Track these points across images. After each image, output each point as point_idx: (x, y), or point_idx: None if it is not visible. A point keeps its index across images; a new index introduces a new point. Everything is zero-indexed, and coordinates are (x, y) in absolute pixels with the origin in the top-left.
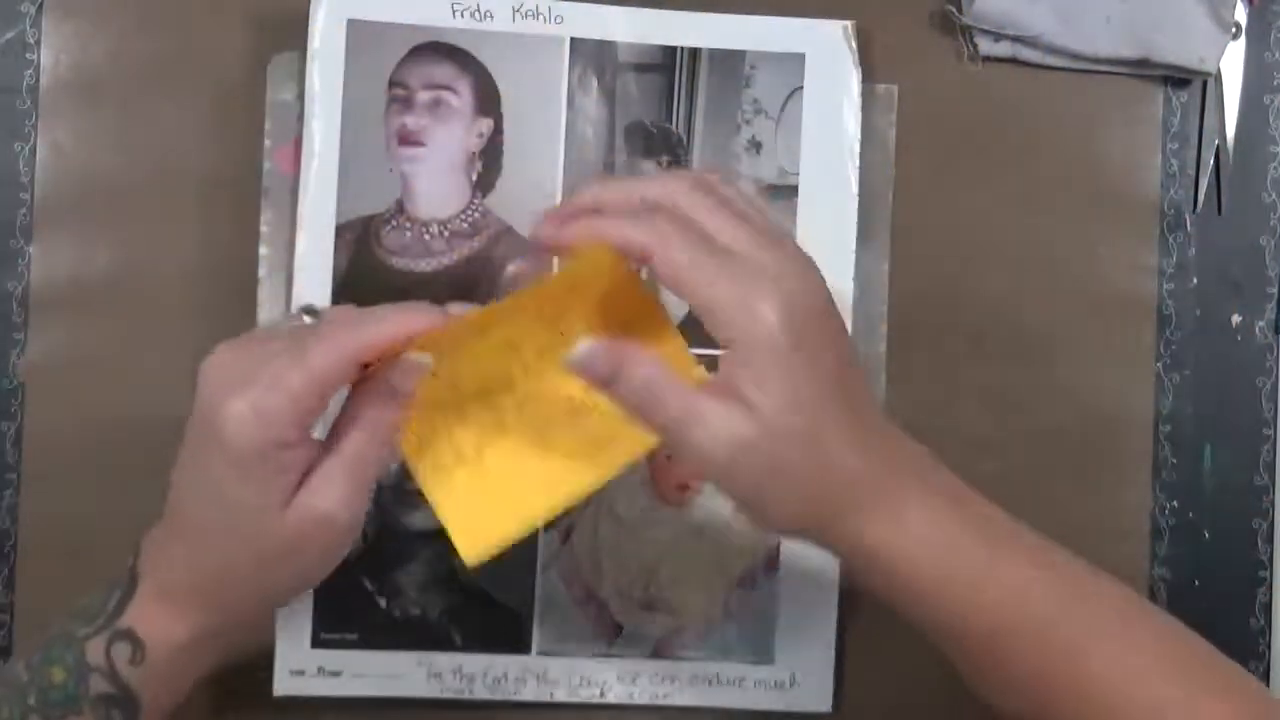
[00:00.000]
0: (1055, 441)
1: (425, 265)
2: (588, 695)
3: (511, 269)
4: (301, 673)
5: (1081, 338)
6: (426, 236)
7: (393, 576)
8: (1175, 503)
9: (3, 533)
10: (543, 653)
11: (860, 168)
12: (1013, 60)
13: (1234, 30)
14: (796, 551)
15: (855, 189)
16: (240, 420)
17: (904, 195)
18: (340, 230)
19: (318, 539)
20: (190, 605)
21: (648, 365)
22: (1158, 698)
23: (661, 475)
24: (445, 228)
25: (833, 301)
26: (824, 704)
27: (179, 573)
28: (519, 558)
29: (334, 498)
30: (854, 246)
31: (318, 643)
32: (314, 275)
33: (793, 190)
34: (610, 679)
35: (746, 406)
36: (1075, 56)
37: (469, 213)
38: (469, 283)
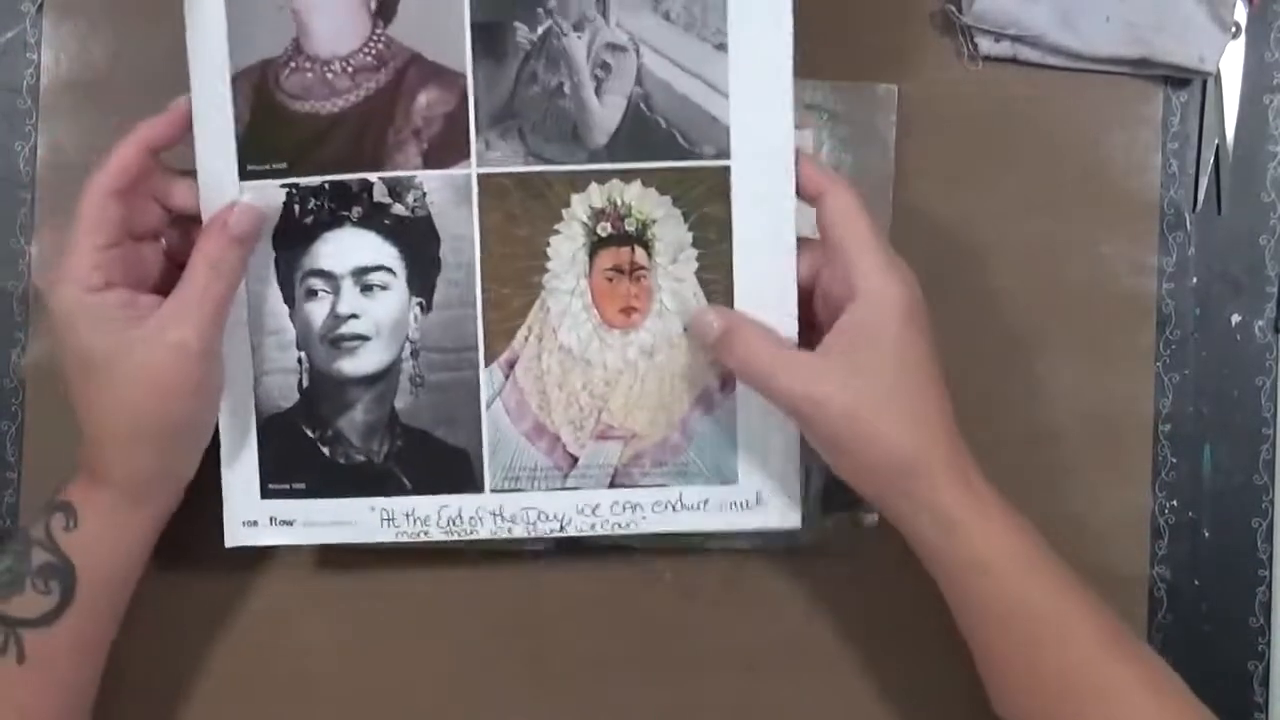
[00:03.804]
0: (1055, 441)
1: (331, 105)
2: (547, 530)
3: (424, 98)
4: (254, 523)
5: (1081, 338)
6: (329, 75)
7: (332, 423)
8: (1175, 503)
9: (3, 532)
10: (496, 490)
11: (860, 168)
12: (1013, 60)
13: (1234, 30)
14: None
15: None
16: (51, 293)
17: (904, 195)
18: (236, 79)
19: (178, 368)
20: (105, 472)
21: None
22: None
23: (604, 299)
24: (348, 63)
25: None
26: (792, 520)
27: (90, 450)
28: (459, 395)
29: (183, 326)
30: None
31: (267, 494)
32: (214, 129)
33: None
34: (569, 512)
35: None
36: (1075, 56)
37: (372, 45)
38: (380, 118)
